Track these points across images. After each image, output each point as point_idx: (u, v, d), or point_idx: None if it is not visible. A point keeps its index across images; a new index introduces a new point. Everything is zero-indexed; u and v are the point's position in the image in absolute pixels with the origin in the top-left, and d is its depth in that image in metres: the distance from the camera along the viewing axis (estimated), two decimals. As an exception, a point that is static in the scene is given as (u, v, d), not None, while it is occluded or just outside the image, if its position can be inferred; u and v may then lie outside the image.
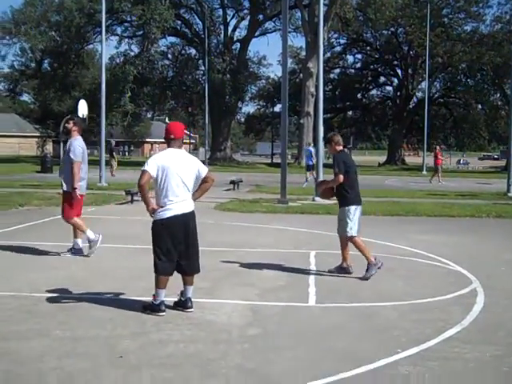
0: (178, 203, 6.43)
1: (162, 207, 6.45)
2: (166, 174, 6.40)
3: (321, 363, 5.14)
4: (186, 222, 6.48)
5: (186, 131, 7.06)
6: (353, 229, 8.64)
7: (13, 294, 7.14)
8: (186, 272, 6.62)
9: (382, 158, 70.18)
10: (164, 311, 6.45)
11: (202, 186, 6.70)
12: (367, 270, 8.54)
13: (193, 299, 6.66)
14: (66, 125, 10.06)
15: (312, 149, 28.98)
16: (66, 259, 9.51)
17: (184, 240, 6.48)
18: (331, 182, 8.83)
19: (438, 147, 37.75)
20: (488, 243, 12.30)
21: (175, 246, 6.46)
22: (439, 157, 35.22)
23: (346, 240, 8.78)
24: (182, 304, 6.63)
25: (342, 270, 8.75)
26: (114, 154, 35.36)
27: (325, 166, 20.21)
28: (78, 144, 9.81)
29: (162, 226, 6.47)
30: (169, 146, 6.64)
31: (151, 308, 6.50)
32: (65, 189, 9.89)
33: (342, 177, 8.57)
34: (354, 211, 8.67)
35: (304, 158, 31.05)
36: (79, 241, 9.88)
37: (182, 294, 6.68)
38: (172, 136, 6.61)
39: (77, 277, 8.27)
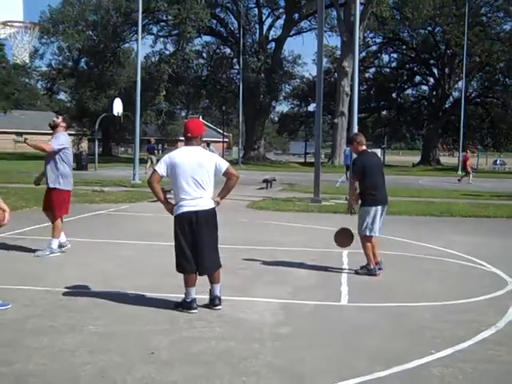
0: (191, 200, 6.37)
1: (176, 204, 6.46)
2: (177, 172, 6.38)
3: (352, 362, 5.11)
4: (198, 219, 6.39)
5: (205, 128, 6.95)
6: (368, 228, 8.60)
7: (48, 290, 7.24)
8: (200, 271, 6.57)
9: (416, 158, 69.50)
10: (196, 308, 6.47)
11: (226, 184, 6.63)
12: (361, 268, 8.70)
13: (225, 297, 6.67)
14: (55, 119, 9.92)
15: (348, 149, 28.95)
16: (97, 256, 9.60)
17: (196, 237, 6.40)
18: (351, 193, 8.80)
19: (467, 152, 37.55)
20: (525, 245, 12.09)
21: (188, 243, 6.41)
22: (467, 162, 35.17)
23: (363, 239, 8.75)
24: (210, 302, 6.63)
25: (369, 271, 8.69)
26: (155, 152, 35.60)
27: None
28: (62, 138, 9.64)
29: (176, 223, 6.49)
30: (186, 144, 6.61)
31: (183, 305, 6.52)
32: (50, 186, 9.65)
33: (356, 183, 8.66)
34: (375, 212, 8.60)
35: (343, 157, 31.38)
36: (56, 240, 9.66)
37: (211, 292, 6.68)
38: (189, 134, 6.56)
39: (110, 273, 8.35)
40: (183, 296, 6.57)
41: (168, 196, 6.64)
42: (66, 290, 7.26)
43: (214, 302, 6.60)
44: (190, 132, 6.57)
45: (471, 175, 34.58)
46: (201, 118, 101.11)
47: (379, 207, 8.69)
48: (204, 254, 6.48)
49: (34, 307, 6.51)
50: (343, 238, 9.08)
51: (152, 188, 6.52)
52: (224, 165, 6.55)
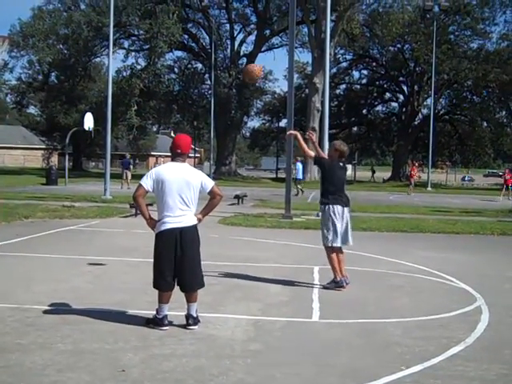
0: (175, 217, 6.32)
1: (160, 220, 6.42)
2: (163, 189, 6.31)
3: (323, 379, 5.11)
4: (182, 236, 6.33)
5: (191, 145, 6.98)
6: (327, 238, 8.77)
7: (16, 307, 7.13)
8: (182, 288, 6.52)
9: (387, 174, 70.20)
10: (167, 325, 6.42)
11: (210, 203, 6.59)
12: (329, 283, 8.80)
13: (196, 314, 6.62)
14: None
15: (299, 164, 33.18)
16: (69, 272, 9.50)
17: (180, 255, 6.33)
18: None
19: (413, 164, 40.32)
20: (492, 260, 12.26)
21: (170, 260, 6.34)
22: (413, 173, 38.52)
23: (326, 250, 8.88)
24: (185, 320, 6.58)
25: (336, 283, 8.77)
26: (131, 167, 35.66)
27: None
28: None
29: (158, 239, 6.43)
30: (172, 160, 6.55)
31: (154, 322, 6.47)
32: None
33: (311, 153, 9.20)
34: (333, 221, 8.74)
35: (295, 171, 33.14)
36: None
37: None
38: (179, 150, 6.49)
39: (80, 290, 8.25)
40: (154, 313, 6.52)
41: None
42: (35, 307, 7.15)
43: (187, 321, 6.51)
44: (181, 148, 6.51)
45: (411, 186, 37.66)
46: (172, 133, 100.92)
47: (338, 216, 8.74)
48: (188, 271, 6.42)
49: (1, 325, 6.40)
50: (248, 75, 9.26)
51: (137, 202, 6.44)
52: (209, 184, 6.51)
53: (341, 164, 9.10)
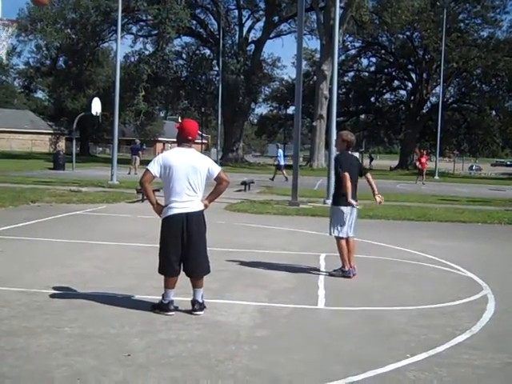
0: (182, 202, 6.32)
1: (166, 206, 6.43)
2: (170, 174, 6.31)
3: (328, 366, 5.12)
4: (188, 221, 6.34)
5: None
6: (336, 229, 8.77)
7: (23, 290, 7.17)
8: (188, 274, 6.55)
9: (394, 163, 70.00)
10: (172, 311, 6.44)
11: (216, 189, 6.59)
12: (336, 270, 8.85)
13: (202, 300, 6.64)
14: None
15: (280, 151, 34.64)
16: (76, 257, 9.53)
17: (186, 240, 6.35)
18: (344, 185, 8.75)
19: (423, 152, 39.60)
20: (499, 249, 12.23)
21: (176, 246, 6.36)
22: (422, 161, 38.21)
23: (336, 240, 8.89)
24: (191, 306, 6.61)
25: (343, 272, 8.80)
26: (140, 153, 35.39)
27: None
28: None
29: (164, 224, 6.45)
30: (179, 145, 6.54)
31: (160, 307, 6.49)
32: None
33: (346, 174, 8.65)
34: (344, 212, 8.73)
35: (277, 157, 34.71)
36: None
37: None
38: (190, 137, 6.51)
39: (87, 274, 8.28)
40: (160, 298, 6.54)
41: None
42: (42, 291, 7.19)
43: (192, 307, 6.53)
44: (191, 134, 6.52)
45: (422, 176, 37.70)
46: (180, 119, 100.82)
47: (349, 208, 8.76)
48: (194, 256, 6.44)
49: (8, 308, 6.44)
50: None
51: (143, 188, 6.45)
52: (216, 170, 6.50)
53: (354, 156, 9.09)
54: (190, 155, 6.44)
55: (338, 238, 8.80)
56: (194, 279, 6.57)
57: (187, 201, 6.34)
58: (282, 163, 33.97)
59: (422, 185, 35.87)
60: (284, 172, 32.98)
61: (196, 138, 6.68)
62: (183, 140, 6.53)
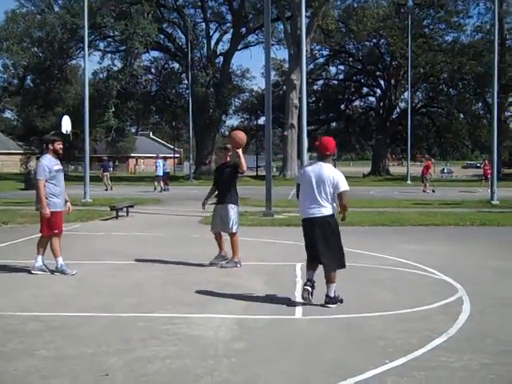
0: (307, 209, 7.58)
1: None
2: (304, 183, 7.57)
3: (309, 376, 5.12)
4: (316, 225, 7.52)
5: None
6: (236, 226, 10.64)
7: (-3, 313, 7.07)
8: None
9: (367, 169, 70.43)
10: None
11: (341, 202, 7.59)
12: (228, 262, 10.36)
13: (179, 314, 6.60)
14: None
15: (160, 161, 35.87)
16: (51, 277, 9.43)
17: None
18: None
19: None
20: (472, 251, 12.37)
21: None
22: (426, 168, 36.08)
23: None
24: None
25: (222, 257, 10.48)
26: (109, 169, 35.85)
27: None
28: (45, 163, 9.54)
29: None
30: (320, 160, 7.53)
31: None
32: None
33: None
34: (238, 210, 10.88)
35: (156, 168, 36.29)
36: (60, 259, 9.71)
37: None
38: (328, 152, 7.54)
39: (62, 295, 8.19)
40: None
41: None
42: (17, 313, 7.10)
43: (325, 300, 7.43)
44: (329, 150, 7.57)
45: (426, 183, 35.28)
46: (151, 134, 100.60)
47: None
48: (326, 251, 7.61)
49: (-17, 333, 6.35)
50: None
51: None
52: (343, 186, 7.46)
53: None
54: (321, 169, 7.52)
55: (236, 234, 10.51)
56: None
57: (313, 207, 7.59)
58: (161, 174, 35.32)
59: (432, 192, 33.70)
60: (161, 183, 34.88)
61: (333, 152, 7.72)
62: (323, 155, 7.65)
